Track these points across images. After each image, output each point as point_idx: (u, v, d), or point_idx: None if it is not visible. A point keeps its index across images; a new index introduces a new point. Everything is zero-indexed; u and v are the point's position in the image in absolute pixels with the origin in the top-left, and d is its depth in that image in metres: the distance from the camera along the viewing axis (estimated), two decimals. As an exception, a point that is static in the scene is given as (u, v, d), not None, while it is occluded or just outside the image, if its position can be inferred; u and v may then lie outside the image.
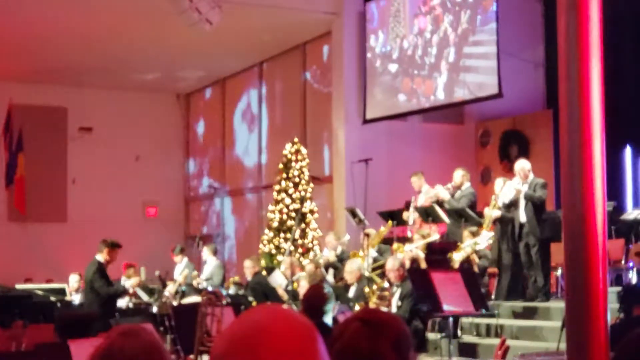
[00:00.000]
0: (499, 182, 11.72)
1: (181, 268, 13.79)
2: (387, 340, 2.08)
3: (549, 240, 10.83)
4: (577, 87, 2.43)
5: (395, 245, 11.50)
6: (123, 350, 1.82)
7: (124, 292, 11.38)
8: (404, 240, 11.87)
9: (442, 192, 11.97)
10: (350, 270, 10.90)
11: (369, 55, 14.84)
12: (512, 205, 11.06)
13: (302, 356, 1.48)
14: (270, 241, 14.33)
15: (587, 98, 2.41)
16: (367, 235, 12.09)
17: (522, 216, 10.92)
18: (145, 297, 12.75)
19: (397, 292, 9.97)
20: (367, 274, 11.07)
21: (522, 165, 11.15)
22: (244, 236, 18.60)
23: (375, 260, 11.78)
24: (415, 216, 12.10)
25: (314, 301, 5.32)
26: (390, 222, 12.29)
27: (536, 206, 10.83)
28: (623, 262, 11.64)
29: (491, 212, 11.29)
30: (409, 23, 14.06)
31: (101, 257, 10.52)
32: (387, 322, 2.13)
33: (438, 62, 13.51)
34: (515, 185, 11.02)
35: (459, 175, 12.16)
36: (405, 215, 12.23)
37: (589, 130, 2.42)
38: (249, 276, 12.23)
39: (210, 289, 10.71)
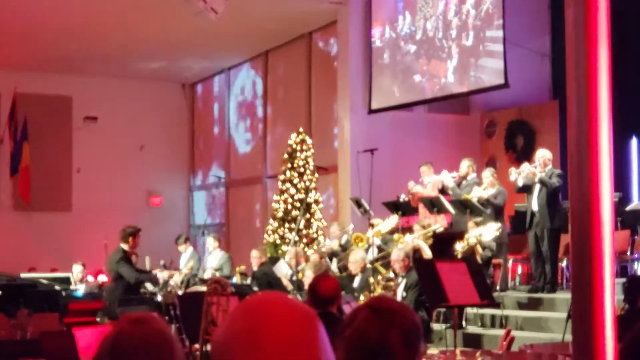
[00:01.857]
0: (485, 174, 11.76)
1: (186, 258, 13.79)
2: (397, 329, 2.07)
3: (559, 230, 10.81)
4: (584, 77, 2.41)
5: (395, 235, 11.48)
6: (133, 338, 1.80)
7: (152, 280, 11.57)
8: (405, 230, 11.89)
9: (447, 178, 11.99)
10: (354, 260, 10.85)
11: (393, 35, 14.60)
12: (526, 189, 11.05)
13: (302, 344, 1.49)
14: (274, 231, 14.33)
15: (595, 89, 2.40)
16: (373, 225, 12.06)
17: (534, 204, 10.92)
18: (150, 287, 12.77)
19: (403, 282, 9.94)
20: (369, 265, 11.03)
21: (543, 153, 11.20)
22: (248, 226, 18.60)
23: (379, 249, 11.75)
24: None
25: (320, 290, 5.31)
26: (396, 214, 12.26)
27: (549, 195, 10.80)
28: (629, 253, 11.64)
29: (479, 191, 11.42)
30: (436, 3, 13.85)
31: (126, 246, 10.67)
32: (397, 311, 2.11)
33: (454, 45, 13.35)
34: (531, 168, 11.04)
35: (465, 165, 12.17)
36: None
37: (596, 122, 2.41)
38: (255, 266, 12.24)
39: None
